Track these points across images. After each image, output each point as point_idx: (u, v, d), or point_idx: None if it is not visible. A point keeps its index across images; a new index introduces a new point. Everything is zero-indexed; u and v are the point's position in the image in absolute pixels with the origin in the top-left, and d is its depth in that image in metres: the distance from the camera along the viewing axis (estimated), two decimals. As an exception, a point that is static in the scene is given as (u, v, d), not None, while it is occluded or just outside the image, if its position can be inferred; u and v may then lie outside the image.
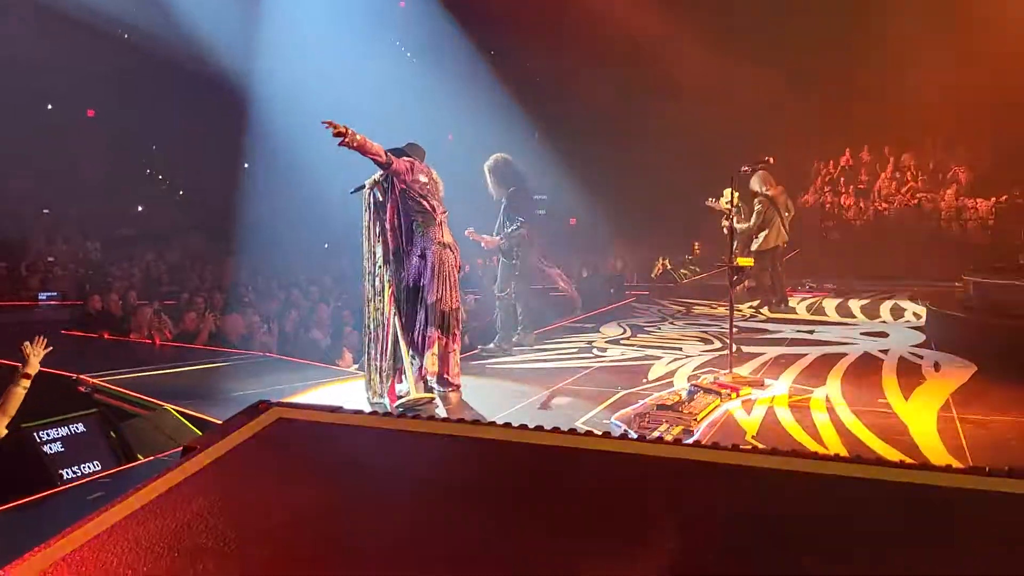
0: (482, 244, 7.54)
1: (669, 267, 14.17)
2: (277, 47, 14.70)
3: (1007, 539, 1.39)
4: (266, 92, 14.96)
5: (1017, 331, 6.52)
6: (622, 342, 7.72)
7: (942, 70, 15.89)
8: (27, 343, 4.39)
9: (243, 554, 1.43)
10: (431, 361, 5.24)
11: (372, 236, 5.37)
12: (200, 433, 4.43)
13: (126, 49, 15.88)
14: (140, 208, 18.65)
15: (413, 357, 5.30)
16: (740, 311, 9.14)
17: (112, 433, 4.60)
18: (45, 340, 4.45)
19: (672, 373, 6.17)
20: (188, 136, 16.83)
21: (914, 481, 1.55)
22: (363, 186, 5.38)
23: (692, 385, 5.41)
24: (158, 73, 15.78)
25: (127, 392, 5.63)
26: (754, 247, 9.50)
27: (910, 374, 5.98)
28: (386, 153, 5.14)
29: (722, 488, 1.64)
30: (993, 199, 14.48)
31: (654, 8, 15.95)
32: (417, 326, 5.27)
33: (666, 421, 4.59)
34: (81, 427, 4.46)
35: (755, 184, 9.39)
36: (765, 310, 9.50)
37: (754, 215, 9.41)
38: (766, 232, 9.44)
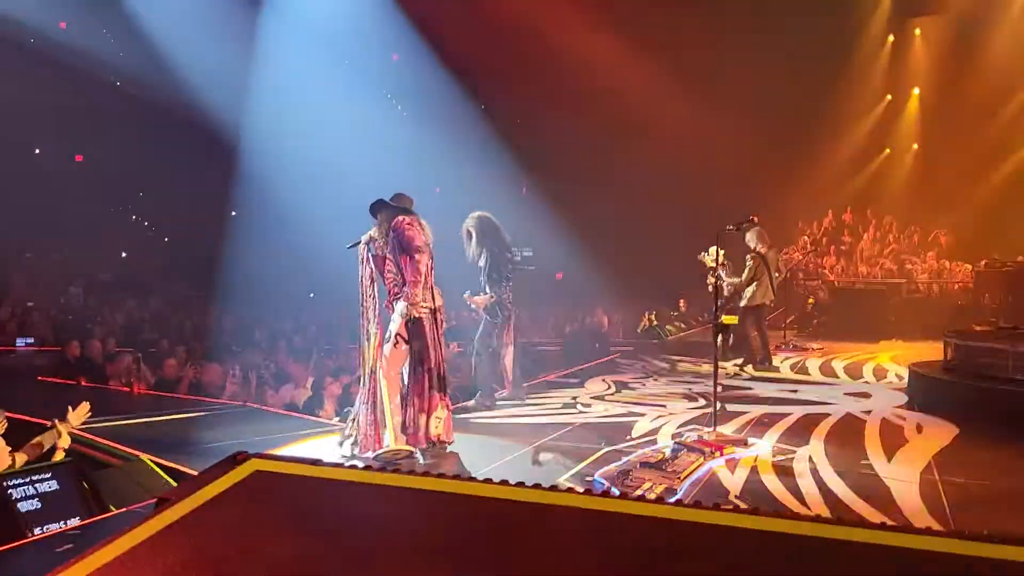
0: (472, 305, 7.40)
1: (655, 323, 14.17)
2: (268, 96, 14.87)
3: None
4: (256, 140, 15.08)
5: (998, 393, 6.55)
6: (606, 398, 7.69)
7: (925, 136, 16.36)
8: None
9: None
10: (435, 424, 5.22)
11: (365, 289, 5.42)
12: (175, 484, 4.35)
13: (115, 95, 16.02)
14: (124, 254, 18.55)
15: (406, 411, 5.26)
16: (724, 369, 9.15)
17: (84, 483, 4.49)
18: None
19: (656, 430, 6.14)
20: (176, 183, 16.87)
21: (895, 544, 1.54)
22: (359, 242, 5.45)
23: (676, 443, 5.39)
24: (147, 119, 15.88)
25: (101, 441, 5.52)
26: (741, 303, 9.59)
27: (893, 435, 5.97)
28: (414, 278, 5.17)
29: (704, 548, 1.63)
30: (972, 264, 14.72)
31: (646, 69, 16.33)
32: (423, 390, 5.24)
33: (649, 479, 4.55)
34: (52, 477, 4.36)
35: (750, 240, 9.56)
36: (749, 368, 9.52)
37: (746, 270, 9.52)
38: (754, 288, 9.53)
